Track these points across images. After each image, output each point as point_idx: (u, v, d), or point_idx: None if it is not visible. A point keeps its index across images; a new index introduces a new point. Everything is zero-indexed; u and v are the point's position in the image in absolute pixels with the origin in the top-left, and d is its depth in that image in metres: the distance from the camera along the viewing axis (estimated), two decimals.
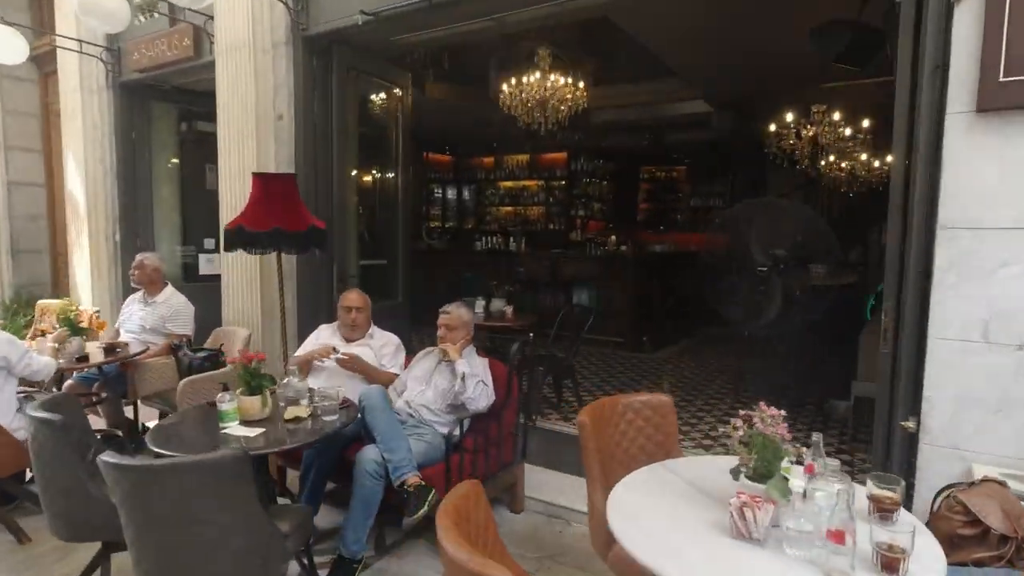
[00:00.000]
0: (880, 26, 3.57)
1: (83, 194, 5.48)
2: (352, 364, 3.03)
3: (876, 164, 6.22)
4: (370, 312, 3.31)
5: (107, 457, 1.79)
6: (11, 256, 6.71)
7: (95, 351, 3.53)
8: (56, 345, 3.24)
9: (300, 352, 3.29)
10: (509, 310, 4.42)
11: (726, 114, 6.61)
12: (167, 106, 5.82)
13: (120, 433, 3.58)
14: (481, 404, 2.76)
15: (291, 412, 2.47)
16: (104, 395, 3.69)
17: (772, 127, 5.58)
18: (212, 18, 4.35)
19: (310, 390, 2.60)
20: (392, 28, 3.90)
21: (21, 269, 6.81)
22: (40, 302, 5.24)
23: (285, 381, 2.56)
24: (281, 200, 3.54)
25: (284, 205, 3.53)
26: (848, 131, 5.44)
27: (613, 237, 7.72)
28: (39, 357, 2.98)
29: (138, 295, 4.20)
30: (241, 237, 3.45)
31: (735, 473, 1.62)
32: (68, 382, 3.86)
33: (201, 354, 3.80)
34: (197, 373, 3.65)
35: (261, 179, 3.58)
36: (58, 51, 5.44)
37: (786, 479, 1.48)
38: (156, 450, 2.22)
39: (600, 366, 6.13)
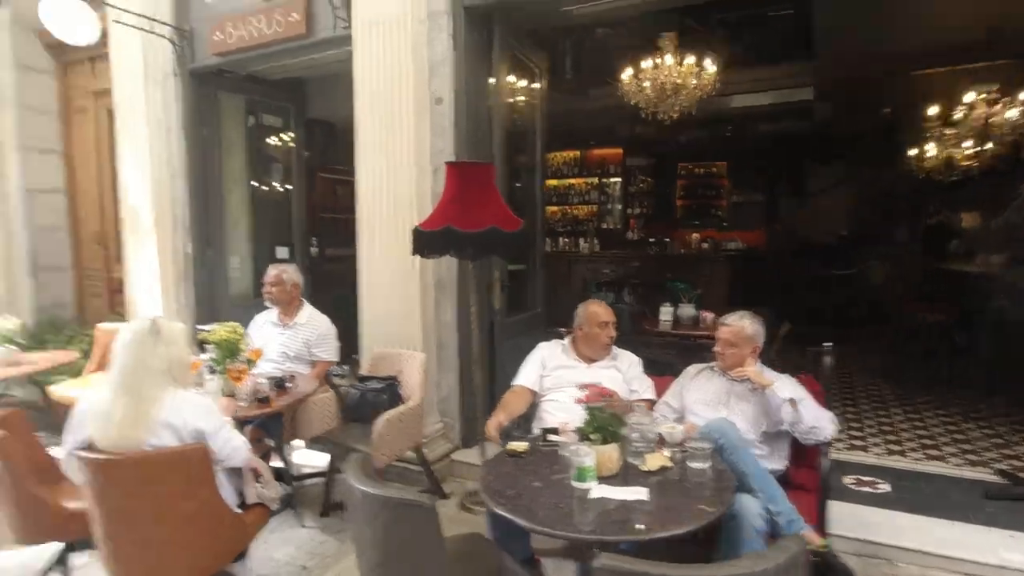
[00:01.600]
0: None
1: (148, 201, 4.67)
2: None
3: (974, 151, 6.04)
4: None
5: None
6: (32, 275, 5.74)
7: (265, 390, 2.83)
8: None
9: (522, 382, 2.72)
10: (709, 317, 3.84)
11: (826, 104, 6.31)
12: (235, 98, 5.07)
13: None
14: (828, 431, 2.27)
15: (652, 462, 1.92)
16: (270, 443, 2.99)
17: (932, 110, 5.31)
18: None
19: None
20: None
21: (43, 289, 5.85)
22: (100, 326, 4.37)
23: (632, 421, 2.01)
24: (484, 195, 2.95)
25: (490, 201, 2.95)
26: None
27: (695, 235, 7.34)
28: (236, 433, 2.12)
29: (271, 316, 3.51)
30: (447, 240, 2.84)
31: None
32: None
33: (375, 384, 3.18)
34: (375, 408, 3.04)
35: (458, 170, 2.98)
36: (112, 31, 4.61)
37: None
38: (521, 523, 1.65)
39: None
